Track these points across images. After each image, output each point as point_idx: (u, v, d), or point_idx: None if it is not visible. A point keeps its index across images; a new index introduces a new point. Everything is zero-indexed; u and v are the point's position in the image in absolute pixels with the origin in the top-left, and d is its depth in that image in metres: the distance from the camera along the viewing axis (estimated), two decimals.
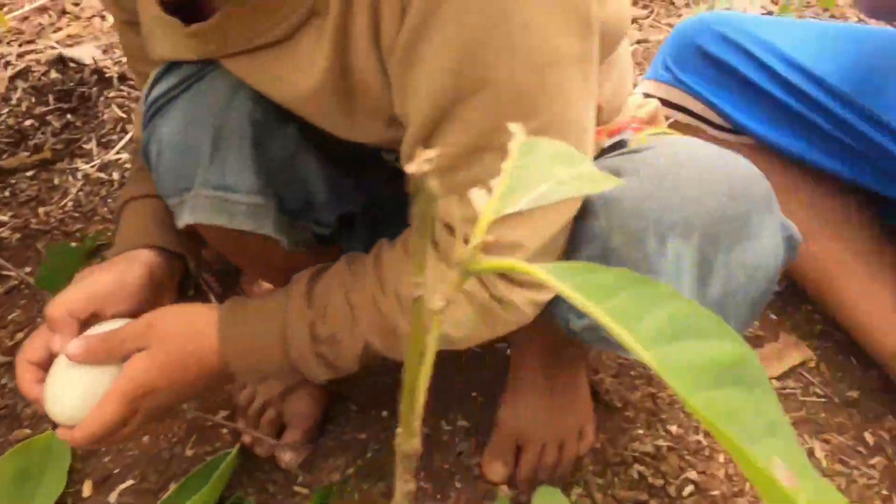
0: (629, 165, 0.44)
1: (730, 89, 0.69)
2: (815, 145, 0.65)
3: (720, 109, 0.70)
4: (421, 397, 0.16)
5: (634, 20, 1.24)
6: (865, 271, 0.67)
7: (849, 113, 0.62)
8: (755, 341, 0.73)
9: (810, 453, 0.64)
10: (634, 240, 0.42)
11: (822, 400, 0.68)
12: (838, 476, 0.63)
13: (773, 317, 0.76)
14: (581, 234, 0.44)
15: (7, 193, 0.96)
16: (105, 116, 1.07)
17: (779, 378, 0.70)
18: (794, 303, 0.76)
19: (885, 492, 0.62)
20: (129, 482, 0.63)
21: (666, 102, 0.75)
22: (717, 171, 0.43)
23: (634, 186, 0.42)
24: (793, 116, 0.66)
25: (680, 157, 0.44)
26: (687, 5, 1.29)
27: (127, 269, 0.49)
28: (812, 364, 0.71)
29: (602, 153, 0.50)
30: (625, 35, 0.52)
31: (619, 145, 0.50)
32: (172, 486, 0.61)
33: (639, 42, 1.19)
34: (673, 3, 1.29)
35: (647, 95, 0.77)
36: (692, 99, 0.72)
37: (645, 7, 1.28)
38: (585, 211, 0.44)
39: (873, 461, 0.64)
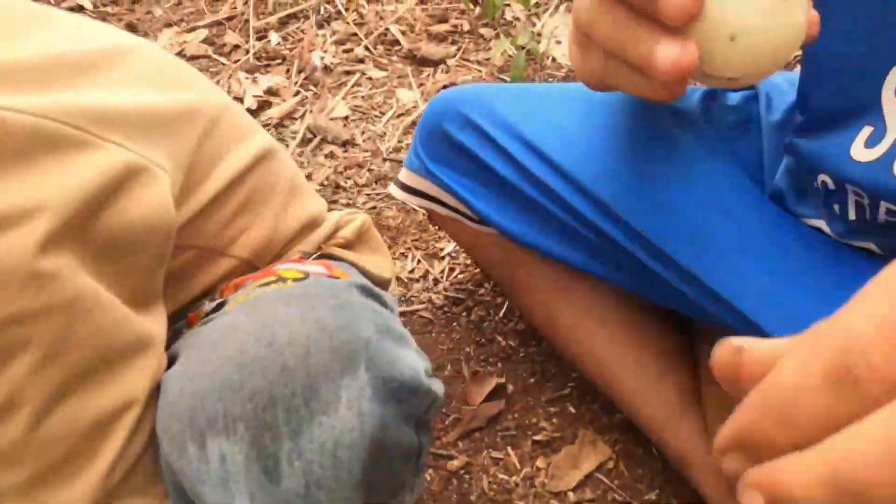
0: (191, 342, 0.36)
1: (474, 178, 0.62)
2: (558, 239, 0.59)
3: (466, 201, 0.62)
4: None
5: (442, 60, 1.16)
6: (650, 372, 0.62)
7: (586, 206, 0.55)
8: (552, 444, 0.67)
9: None
10: (176, 446, 0.35)
11: None
12: None
13: (572, 410, 0.70)
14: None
15: None
16: None
17: (575, 490, 0.64)
18: (593, 390, 0.70)
19: None
20: None
21: (421, 194, 0.68)
22: (268, 339, 0.36)
23: (177, 376, 0.35)
24: (534, 207, 0.59)
25: (235, 325, 0.36)
26: (497, 36, 1.22)
27: None
28: (610, 465, 0.66)
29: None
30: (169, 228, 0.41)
31: (220, 307, 0.42)
32: None
33: (444, 87, 1.11)
34: (482, 37, 1.22)
35: (403, 187, 0.69)
36: (441, 190, 0.64)
37: (453, 43, 1.21)
38: None
39: None
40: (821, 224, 0.53)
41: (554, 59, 1.14)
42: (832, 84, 0.47)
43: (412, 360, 0.39)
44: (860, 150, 0.46)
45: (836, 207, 0.50)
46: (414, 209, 0.89)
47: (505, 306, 0.80)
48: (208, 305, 0.43)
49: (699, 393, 0.61)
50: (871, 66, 0.43)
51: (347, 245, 0.53)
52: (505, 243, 0.64)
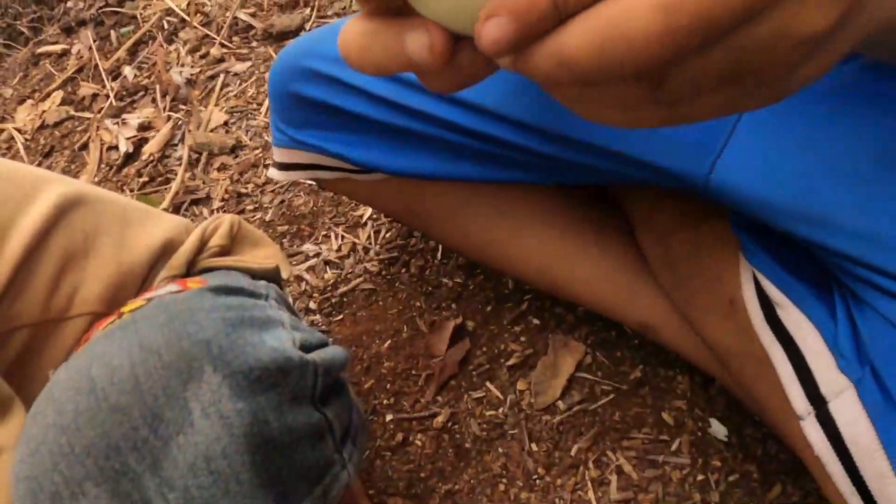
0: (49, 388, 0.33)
1: (339, 128, 0.58)
2: (445, 159, 0.55)
3: (341, 156, 0.58)
4: None
5: (300, 27, 1.09)
6: (591, 255, 0.59)
7: (474, 119, 0.51)
8: (527, 363, 0.65)
9: (619, 471, 0.57)
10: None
11: (612, 396, 0.61)
12: (653, 482, 0.56)
13: (536, 321, 0.67)
14: None
15: None
16: None
17: (563, 396, 0.62)
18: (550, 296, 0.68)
19: (700, 476, 0.55)
20: None
21: (299, 166, 0.63)
22: (87, 386, 0.33)
23: (13, 465, 0.32)
24: (412, 137, 0.55)
25: (52, 385, 0.34)
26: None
27: None
28: (588, 360, 0.64)
29: None
30: None
31: None
32: None
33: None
34: None
35: (281, 166, 0.65)
36: (316, 154, 0.60)
37: (306, 4, 1.14)
38: None
39: (679, 445, 0.57)
40: None
41: None
42: None
43: (276, 341, 0.36)
44: None
45: None
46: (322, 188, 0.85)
47: (440, 248, 0.76)
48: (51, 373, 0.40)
49: (642, 255, 0.59)
50: None
51: (224, 251, 0.50)
52: (399, 183, 0.61)
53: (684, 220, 0.54)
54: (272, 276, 0.51)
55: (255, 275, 0.49)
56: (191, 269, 0.48)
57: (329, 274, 0.79)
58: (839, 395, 0.38)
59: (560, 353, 0.64)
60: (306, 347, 0.39)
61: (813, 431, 0.39)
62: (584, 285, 0.60)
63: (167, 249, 0.47)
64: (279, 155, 0.64)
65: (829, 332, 0.40)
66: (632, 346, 0.63)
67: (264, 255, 0.52)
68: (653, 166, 0.46)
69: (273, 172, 0.66)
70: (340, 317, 0.75)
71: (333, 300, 0.76)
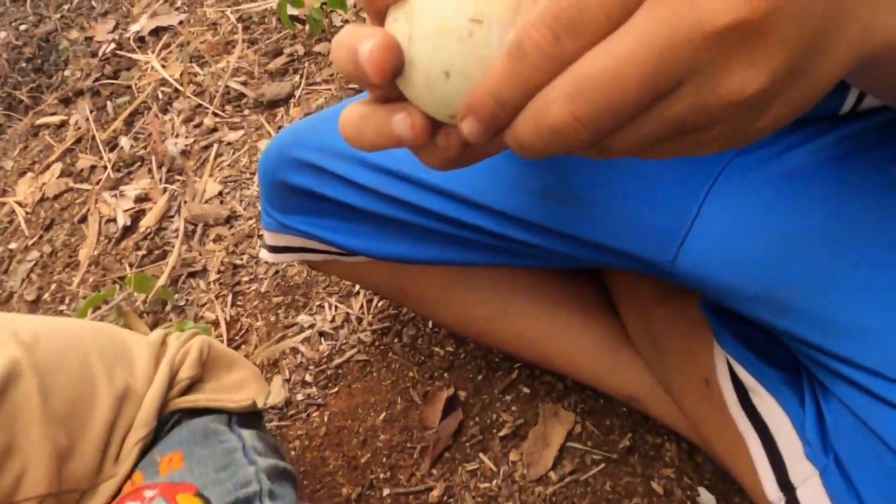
0: None
1: (326, 215, 0.60)
2: (430, 246, 0.57)
3: (328, 241, 0.60)
4: None
5: (290, 94, 1.13)
6: (575, 329, 0.61)
7: (453, 207, 0.53)
8: (519, 433, 0.66)
9: None
10: None
11: (602, 465, 0.62)
12: None
13: (526, 390, 0.69)
14: None
15: None
16: None
17: (554, 467, 0.63)
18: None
19: None
20: None
21: (288, 249, 0.65)
22: None
23: None
24: (395, 224, 0.57)
25: None
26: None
27: None
28: (578, 429, 0.65)
29: None
30: None
31: None
32: None
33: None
34: (320, 54, 1.19)
35: (271, 249, 0.67)
36: (303, 239, 0.62)
37: (295, 72, 1.18)
38: None
39: None
40: None
41: None
42: None
43: None
44: None
45: None
46: None
47: None
48: None
49: (624, 329, 0.60)
50: None
51: (195, 380, 0.51)
52: (386, 265, 0.63)
53: (663, 298, 0.56)
54: (252, 408, 0.52)
55: (231, 412, 0.50)
56: (162, 412, 0.49)
57: (324, 345, 0.80)
58: (805, 483, 0.40)
59: (550, 423, 0.66)
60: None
61: None
62: (570, 360, 0.62)
63: (129, 398, 0.46)
64: (269, 238, 0.66)
65: (798, 418, 0.42)
66: (620, 414, 0.65)
67: (238, 378, 0.53)
68: (622, 252, 0.48)
69: (264, 254, 0.68)
70: (336, 389, 0.76)
71: (329, 372, 0.78)
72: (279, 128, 1.10)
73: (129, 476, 0.46)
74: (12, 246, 1.14)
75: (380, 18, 0.26)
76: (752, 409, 0.44)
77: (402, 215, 0.56)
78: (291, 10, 1.19)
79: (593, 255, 0.50)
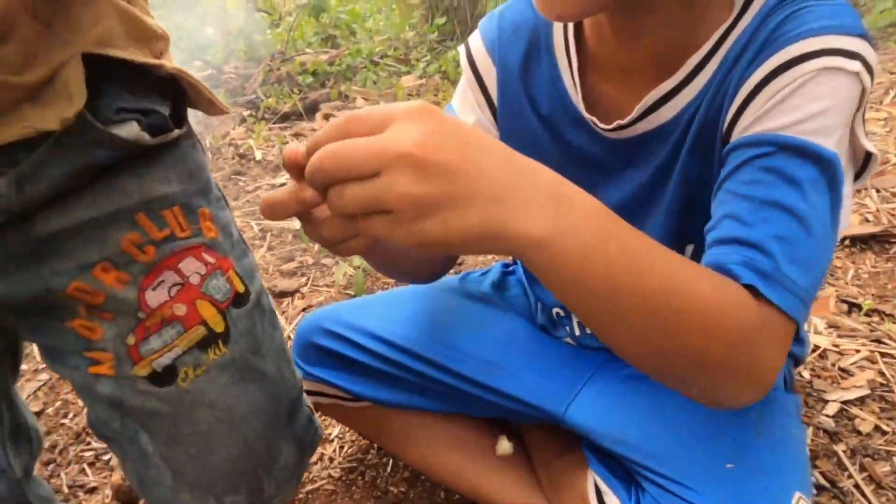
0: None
1: (342, 370, 0.88)
2: (410, 395, 0.86)
3: (341, 387, 0.87)
4: None
5: (296, 290, 1.44)
6: (500, 474, 0.86)
7: (425, 367, 0.83)
8: None
9: None
10: None
11: None
12: None
13: None
14: None
15: None
16: None
17: None
18: None
19: None
20: None
21: (308, 392, 0.91)
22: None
23: None
24: (388, 378, 0.86)
25: None
26: (337, 263, 1.54)
27: None
28: None
29: None
30: None
31: None
32: None
33: (304, 310, 1.38)
34: (325, 265, 1.54)
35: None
36: (322, 385, 0.89)
37: (302, 275, 1.51)
38: None
39: None
40: (569, 339, 0.85)
41: None
42: None
43: None
44: None
45: (568, 328, 0.82)
46: None
47: (390, 463, 1.01)
48: None
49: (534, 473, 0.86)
50: None
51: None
52: (376, 410, 0.89)
53: (559, 452, 0.84)
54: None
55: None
56: None
57: None
58: None
59: None
60: None
61: None
62: (497, 494, 0.86)
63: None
64: None
65: None
66: None
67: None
68: (524, 402, 0.78)
69: None
70: None
71: (300, 496, 0.97)
72: (283, 312, 1.39)
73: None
74: None
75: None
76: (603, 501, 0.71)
77: (391, 370, 0.86)
78: None
79: (502, 402, 0.80)
